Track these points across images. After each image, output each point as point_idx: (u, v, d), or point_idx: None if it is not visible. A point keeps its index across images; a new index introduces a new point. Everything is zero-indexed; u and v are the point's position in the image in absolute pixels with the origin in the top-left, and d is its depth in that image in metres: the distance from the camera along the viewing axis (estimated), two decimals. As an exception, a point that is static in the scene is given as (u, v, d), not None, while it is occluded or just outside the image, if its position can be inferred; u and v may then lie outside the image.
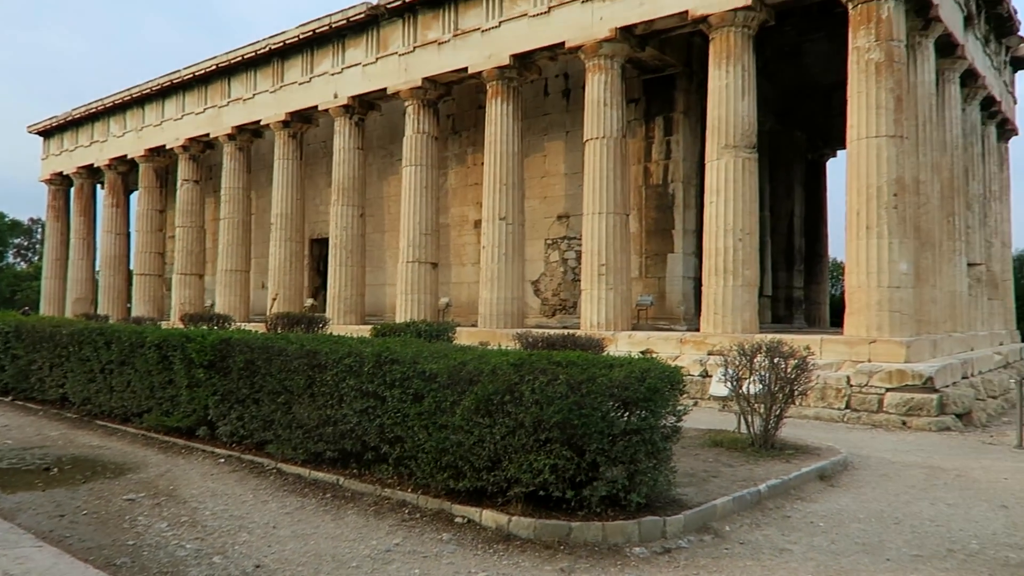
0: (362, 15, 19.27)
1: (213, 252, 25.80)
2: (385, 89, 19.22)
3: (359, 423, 6.69)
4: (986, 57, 18.18)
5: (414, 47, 18.57)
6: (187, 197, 25.48)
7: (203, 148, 25.37)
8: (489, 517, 5.54)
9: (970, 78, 17.23)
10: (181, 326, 15.32)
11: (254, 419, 7.89)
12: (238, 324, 17.54)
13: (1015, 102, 22.27)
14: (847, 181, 12.84)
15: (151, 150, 26.62)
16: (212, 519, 5.88)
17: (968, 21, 16.22)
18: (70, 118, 29.78)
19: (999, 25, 18.55)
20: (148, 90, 25.95)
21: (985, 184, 19.33)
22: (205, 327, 11.83)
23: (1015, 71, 21.93)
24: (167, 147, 25.90)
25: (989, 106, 19.42)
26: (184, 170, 25.51)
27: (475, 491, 5.78)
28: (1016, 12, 18.43)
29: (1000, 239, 20.90)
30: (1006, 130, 21.76)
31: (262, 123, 22.53)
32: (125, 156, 27.75)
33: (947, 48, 15.47)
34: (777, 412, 8.24)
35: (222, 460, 7.95)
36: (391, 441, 6.44)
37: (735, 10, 13.64)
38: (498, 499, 5.67)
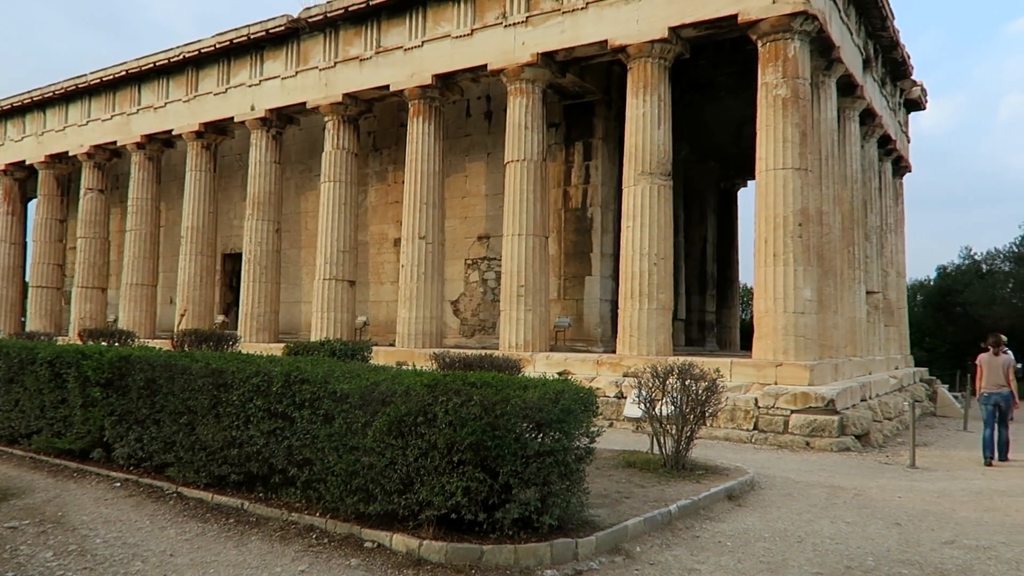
0: (282, 28, 18.93)
1: (118, 265, 24.66)
2: (305, 103, 18.90)
3: (266, 445, 6.46)
4: (883, 98, 19.33)
5: (335, 62, 18.35)
6: (91, 207, 24.29)
7: (110, 156, 24.29)
8: (400, 541, 5.42)
9: (868, 117, 18.26)
10: (79, 342, 14.53)
11: (154, 441, 7.52)
12: (142, 341, 16.75)
13: (909, 141, 23.74)
14: (756, 210, 13.34)
15: (52, 156, 25.30)
16: (103, 547, 5.55)
17: (867, 64, 17.23)
18: (-38, 120, 28.03)
19: (894, 69, 19.78)
20: (51, 93, 24.69)
21: (882, 217, 20.46)
22: (105, 343, 11.25)
23: (908, 112, 23.41)
24: (70, 154, 24.66)
25: (886, 144, 20.63)
26: (88, 178, 24.34)
27: (386, 515, 5.65)
28: (909, 57, 19.70)
29: (896, 269, 22.12)
30: (901, 167, 23.15)
31: (174, 133, 21.76)
32: (23, 162, 26.28)
33: (848, 88, 16.37)
34: (688, 433, 8.41)
35: (118, 484, 7.52)
36: (300, 463, 6.24)
37: (652, 42, 14.06)
38: (409, 523, 5.55)
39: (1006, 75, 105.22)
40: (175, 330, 18.77)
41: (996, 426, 11.37)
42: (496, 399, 5.30)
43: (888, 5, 16.69)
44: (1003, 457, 11.46)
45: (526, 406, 5.32)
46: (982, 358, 11.71)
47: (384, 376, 6.00)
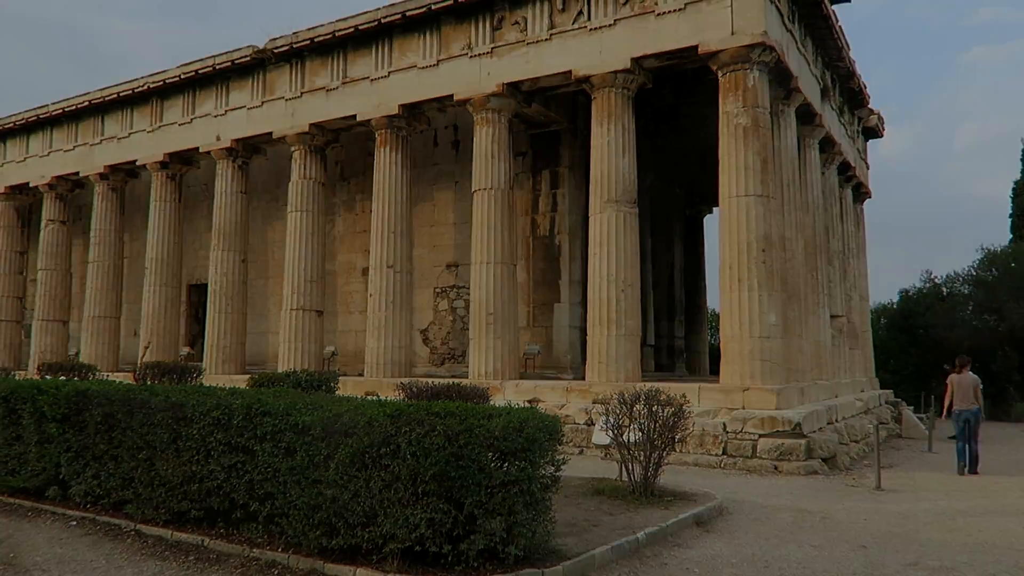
0: (248, 58, 18.92)
1: (80, 297, 24.17)
2: (271, 133, 18.85)
3: (227, 479, 6.34)
4: (841, 126, 19.80)
5: (302, 92, 18.36)
6: (52, 238, 23.88)
7: (72, 187, 23.95)
8: (364, 575, 5.33)
9: (828, 144, 18.68)
10: (38, 376, 14.19)
11: (112, 477, 7.34)
12: (105, 374, 16.35)
13: (868, 167, 24.32)
14: (720, 237, 13.52)
15: (13, 187, 24.88)
16: (56, 590, 5.38)
17: (825, 93, 17.67)
18: (-80, 151, 27.47)
19: (851, 98, 20.32)
20: (11, 124, 24.34)
21: (844, 242, 20.85)
22: (63, 377, 11.01)
23: (867, 140, 24.01)
24: (31, 185, 24.29)
25: (845, 171, 21.09)
26: (50, 210, 23.95)
27: (349, 548, 5.56)
28: (866, 87, 20.24)
29: (859, 293, 22.50)
30: (861, 193, 23.67)
31: (138, 163, 21.54)
32: (-18, 193, 25.81)
33: (807, 117, 16.75)
34: (656, 459, 8.42)
35: (74, 523, 7.31)
36: (261, 498, 6.13)
37: (615, 72, 14.29)
38: (373, 556, 5.47)
39: (962, 104, 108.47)
40: (139, 363, 18.43)
41: (967, 440, 12.31)
42: (460, 429, 5.27)
43: (843, 36, 17.18)
44: (972, 470, 12.24)
45: (490, 435, 5.30)
46: (952, 378, 12.83)
47: (347, 407, 5.93)
